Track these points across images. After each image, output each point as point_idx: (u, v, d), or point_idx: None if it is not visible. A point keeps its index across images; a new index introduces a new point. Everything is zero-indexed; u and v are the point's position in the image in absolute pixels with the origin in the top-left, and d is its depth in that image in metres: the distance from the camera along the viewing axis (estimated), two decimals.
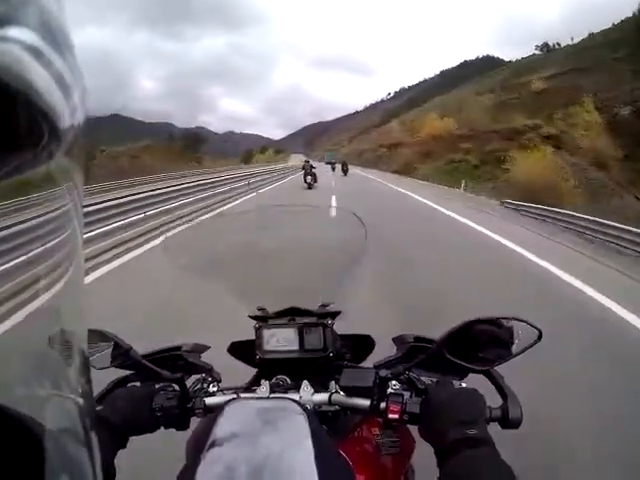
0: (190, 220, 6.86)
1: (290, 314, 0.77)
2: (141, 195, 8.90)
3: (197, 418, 0.69)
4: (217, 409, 0.58)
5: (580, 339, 2.93)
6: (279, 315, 0.77)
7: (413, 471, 0.85)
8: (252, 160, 78.54)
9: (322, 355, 0.74)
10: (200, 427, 0.68)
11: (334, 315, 0.76)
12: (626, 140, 27.29)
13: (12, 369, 0.26)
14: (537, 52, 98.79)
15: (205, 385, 0.73)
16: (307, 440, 0.47)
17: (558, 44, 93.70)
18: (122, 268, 4.76)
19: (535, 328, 0.60)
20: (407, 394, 0.64)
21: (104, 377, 0.66)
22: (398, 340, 0.76)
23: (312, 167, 17.48)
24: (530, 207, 11.05)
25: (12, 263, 3.65)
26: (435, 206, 11.72)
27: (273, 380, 0.71)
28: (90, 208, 6.21)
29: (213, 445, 0.47)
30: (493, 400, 0.62)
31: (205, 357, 0.79)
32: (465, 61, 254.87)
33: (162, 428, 0.67)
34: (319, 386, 0.70)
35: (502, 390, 0.64)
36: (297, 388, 0.68)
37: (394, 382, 0.66)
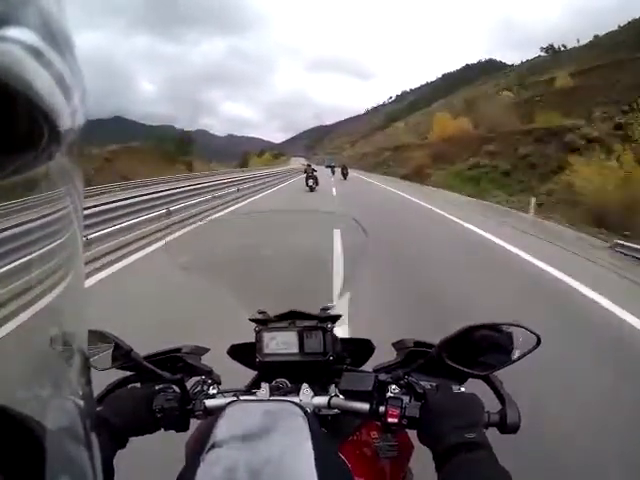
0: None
1: (290, 317, 0.77)
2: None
3: (197, 420, 0.69)
4: (217, 411, 0.58)
5: None
6: (279, 318, 0.77)
7: (412, 474, 0.85)
8: (248, 164, 74.98)
9: (322, 359, 0.74)
10: (200, 429, 0.68)
11: (334, 319, 0.77)
12: None
13: (13, 370, 0.26)
14: (542, 54, 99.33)
15: (205, 387, 0.73)
16: (307, 443, 0.47)
17: (564, 46, 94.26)
18: None
19: (534, 334, 0.60)
20: (406, 398, 0.64)
21: (105, 378, 0.67)
22: (398, 345, 0.76)
23: (314, 170, 17.74)
24: None
25: (12, 265, 3.64)
26: (499, 242, 6.35)
27: (273, 383, 0.71)
28: None
29: (213, 447, 0.47)
30: (491, 405, 0.62)
31: (205, 359, 0.79)
32: (467, 65, 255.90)
33: (162, 429, 0.67)
34: (319, 389, 0.70)
35: (500, 395, 0.64)
36: (297, 391, 0.68)
37: (393, 386, 0.66)
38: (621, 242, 6.40)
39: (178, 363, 0.77)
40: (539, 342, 0.60)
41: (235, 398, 0.66)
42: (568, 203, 11.53)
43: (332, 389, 0.69)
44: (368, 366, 0.79)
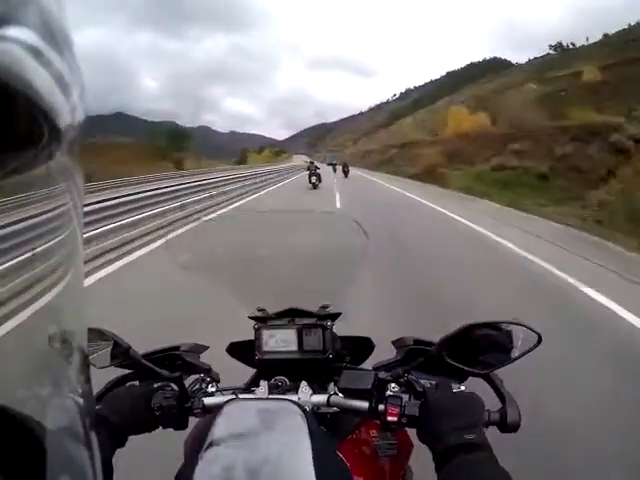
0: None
1: (290, 315, 0.77)
2: None
3: (195, 418, 0.69)
4: (216, 409, 0.58)
5: None
6: (279, 316, 0.77)
7: (412, 473, 0.85)
8: (247, 161, 71.24)
9: (321, 357, 0.74)
10: (198, 427, 0.68)
11: (334, 317, 0.76)
12: None
13: (12, 368, 0.26)
14: (551, 52, 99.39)
15: (204, 385, 0.73)
16: (305, 441, 0.47)
17: (572, 44, 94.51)
18: None
19: (534, 332, 0.60)
20: (406, 397, 0.64)
21: (103, 377, 0.67)
22: (397, 343, 0.76)
23: (317, 168, 17.80)
24: None
25: (12, 262, 3.64)
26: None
27: (272, 381, 0.71)
28: None
29: (211, 445, 0.47)
30: (491, 403, 0.62)
31: (204, 357, 0.79)
32: (472, 62, 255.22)
33: (160, 427, 0.67)
34: (318, 387, 0.70)
35: (501, 394, 0.64)
36: (296, 389, 0.68)
37: (393, 385, 0.65)
38: None
39: (177, 361, 0.76)
40: (540, 340, 0.59)
41: (234, 396, 0.66)
42: (634, 219, 7.68)
43: (331, 387, 0.69)
44: (368, 364, 0.78)
